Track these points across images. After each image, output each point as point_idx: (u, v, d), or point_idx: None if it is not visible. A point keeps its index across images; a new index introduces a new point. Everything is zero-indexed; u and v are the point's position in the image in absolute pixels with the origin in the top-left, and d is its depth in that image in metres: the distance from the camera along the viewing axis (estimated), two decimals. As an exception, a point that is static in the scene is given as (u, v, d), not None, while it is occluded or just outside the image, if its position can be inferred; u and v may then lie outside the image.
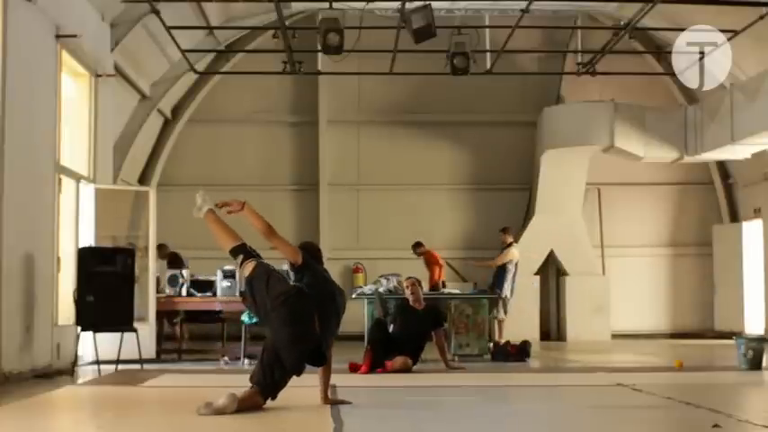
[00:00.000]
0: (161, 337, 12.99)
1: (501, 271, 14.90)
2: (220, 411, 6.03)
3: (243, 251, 6.46)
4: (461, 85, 16.71)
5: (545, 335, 17.72)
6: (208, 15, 15.13)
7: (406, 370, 10.04)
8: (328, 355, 6.54)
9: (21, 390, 8.06)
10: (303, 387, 6.63)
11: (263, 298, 6.33)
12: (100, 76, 12.10)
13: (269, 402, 6.34)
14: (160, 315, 12.67)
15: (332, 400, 6.68)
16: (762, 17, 13.13)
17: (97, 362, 10.35)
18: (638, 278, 18.64)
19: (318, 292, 6.41)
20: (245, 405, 6.17)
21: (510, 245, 15.10)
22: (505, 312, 14.77)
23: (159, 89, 16.29)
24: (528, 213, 18.26)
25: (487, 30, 16.21)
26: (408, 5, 12.81)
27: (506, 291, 14.79)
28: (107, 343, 10.45)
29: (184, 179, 18.07)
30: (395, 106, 18.59)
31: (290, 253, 6.52)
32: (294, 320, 6.23)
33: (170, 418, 6.39)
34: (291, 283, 6.44)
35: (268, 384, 6.30)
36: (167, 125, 17.84)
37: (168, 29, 13.59)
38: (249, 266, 6.39)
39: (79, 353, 10.47)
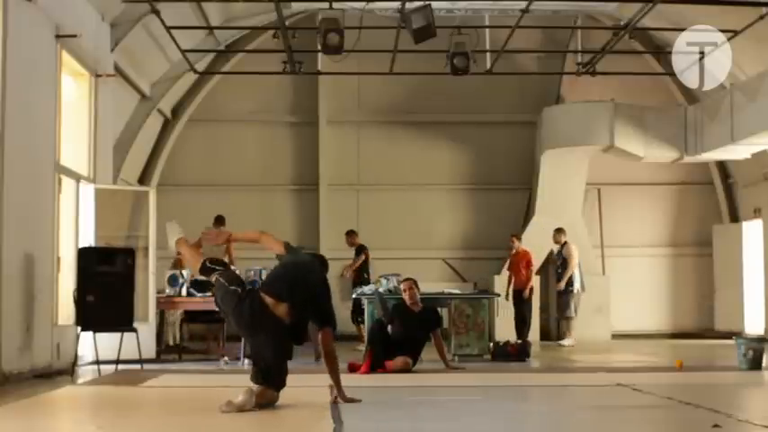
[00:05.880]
0: (161, 338, 12.97)
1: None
2: (241, 408, 6.20)
3: (205, 269, 6.86)
4: (461, 85, 16.70)
5: (545, 335, 17.69)
6: (208, 15, 15.13)
7: (406, 370, 10.05)
8: (326, 341, 6.69)
9: (21, 390, 8.07)
10: (303, 387, 6.64)
11: (223, 310, 6.81)
12: (100, 76, 12.09)
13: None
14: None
15: (343, 398, 6.75)
16: (762, 17, 13.13)
17: (97, 362, 10.35)
18: (638, 278, 18.62)
19: (289, 279, 6.66)
20: (263, 400, 6.37)
21: (565, 243, 15.65)
22: (575, 311, 15.43)
23: (159, 89, 16.28)
24: (528, 213, 18.23)
25: (487, 30, 16.18)
26: (408, 5, 12.81)
27: (577, 286, 15.52)
28: (107, 343, 10.45)
29: (184, 179, 18.09)
30: (395, 106, 18.58)
31: (276, 247, 7.01)
32: (253, 328, 6.54)
33: (170, 418, 6.39)
34: (233, 288, 6.64)
35: (269, 378, 6.45)
36: (167, 125, 17.83)
37: (168, 29, 13.60)
38: (213, 280, 6.80)
39: (79, 353, 10.46)
